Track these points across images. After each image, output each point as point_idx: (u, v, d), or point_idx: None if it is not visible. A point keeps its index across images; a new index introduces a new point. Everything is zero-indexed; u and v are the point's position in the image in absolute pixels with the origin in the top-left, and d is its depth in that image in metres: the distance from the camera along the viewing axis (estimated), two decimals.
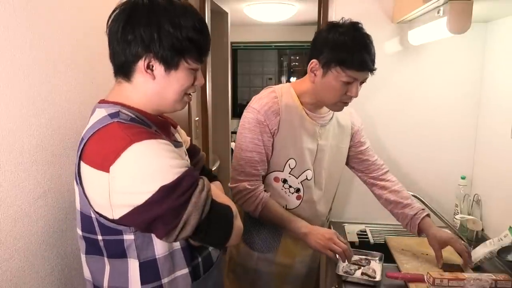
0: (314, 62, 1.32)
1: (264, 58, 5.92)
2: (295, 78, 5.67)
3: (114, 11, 0.91)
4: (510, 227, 1.34)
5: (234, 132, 5.23)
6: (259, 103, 1.36)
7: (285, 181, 1.41)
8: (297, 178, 1.42)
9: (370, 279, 1.33)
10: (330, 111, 1.46)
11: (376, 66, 1.30)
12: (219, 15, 3.38)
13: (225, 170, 3.65)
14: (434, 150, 1.95)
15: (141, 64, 0.89)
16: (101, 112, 0.91)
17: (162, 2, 0.90)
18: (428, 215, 1.50)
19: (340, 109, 1.39)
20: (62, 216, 1.13)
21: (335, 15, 1.91)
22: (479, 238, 1.61)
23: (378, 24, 1.88)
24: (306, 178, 1.43)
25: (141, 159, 0.83)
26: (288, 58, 5.86)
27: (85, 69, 1.23)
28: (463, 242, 1.42)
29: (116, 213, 0.85)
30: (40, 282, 1.05)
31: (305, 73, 1.41)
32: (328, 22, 1.37)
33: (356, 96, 1.32)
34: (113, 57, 0.93)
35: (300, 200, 1.44)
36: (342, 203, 2.02)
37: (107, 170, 0.82)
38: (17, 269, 0.97)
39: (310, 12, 3.88)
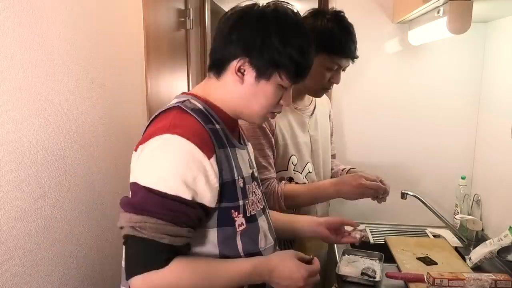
0: None
1: None
2: None
3: (227, 12, 0.93)
4: (510, 227, 1.34)
5: None
6: None
7: (291, 179, 1.41)
8: (301, 174, 1.43)
9: (370, 279, 1.33)
10: (312, 102, 1.49)
11: (358, 54, 1.34)
12: (219, 15, 3.37)
13: None
14: (434, 150, 1.94)
15: (234, 64, 0.89)
16: (174, 100, 0.93)
17: (275, 11, 0.89)
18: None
19: (321, 95, 1.45)
20: (62, 216, 1.13)
21: None
22: (479, 238, 1.61)
23: (378, 24, 1.88)
24: (309, 172, 1.45)
25: (157, 150, 0.83)
26: None
27: (85, 69, 1.23)
28: None
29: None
30: (40, 282, 1.05)
31: None
32: (311, 9, 1.37)
33: (338, 83, 1.36)
34: (212, 52, 0.94)
35: None
36: (342, 203, 2.01)
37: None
38: (17, 269, 0.97)
39: None
